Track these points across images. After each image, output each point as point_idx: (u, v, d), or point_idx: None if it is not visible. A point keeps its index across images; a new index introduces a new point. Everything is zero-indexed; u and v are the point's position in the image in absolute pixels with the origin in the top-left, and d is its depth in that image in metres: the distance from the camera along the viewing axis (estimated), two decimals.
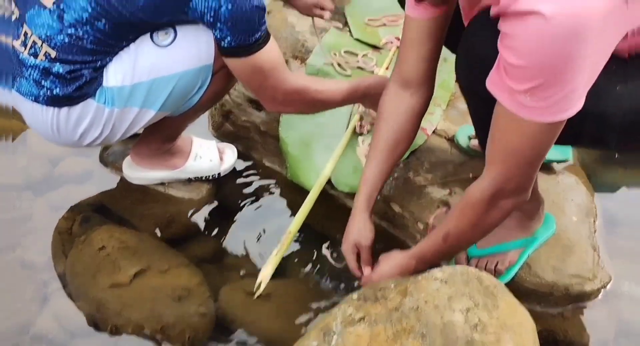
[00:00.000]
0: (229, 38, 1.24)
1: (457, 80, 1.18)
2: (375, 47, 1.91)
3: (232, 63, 1.30)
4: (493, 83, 0.99)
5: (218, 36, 1.25)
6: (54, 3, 1.24)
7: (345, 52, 1.87)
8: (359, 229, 1.33)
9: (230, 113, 1.79)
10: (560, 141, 1.03)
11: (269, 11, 2.02)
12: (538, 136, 1.00)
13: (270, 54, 1.30)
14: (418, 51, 1.30)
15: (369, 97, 1.51)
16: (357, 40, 1.94)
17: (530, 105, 0.95)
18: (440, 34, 1.29)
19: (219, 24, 1.22)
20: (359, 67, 1.84)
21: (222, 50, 1.28)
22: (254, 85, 1.37)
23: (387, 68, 1.83)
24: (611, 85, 1.02)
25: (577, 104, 0.95)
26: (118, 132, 1.37)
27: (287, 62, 1.88)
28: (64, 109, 1.31)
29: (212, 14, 1.20)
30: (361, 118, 1.69)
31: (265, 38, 1.28)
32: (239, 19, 1.21)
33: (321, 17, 1.71)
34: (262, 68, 1.30)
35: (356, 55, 1.87)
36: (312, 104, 1.46)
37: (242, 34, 1.23)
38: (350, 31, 1.95)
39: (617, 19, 0.92)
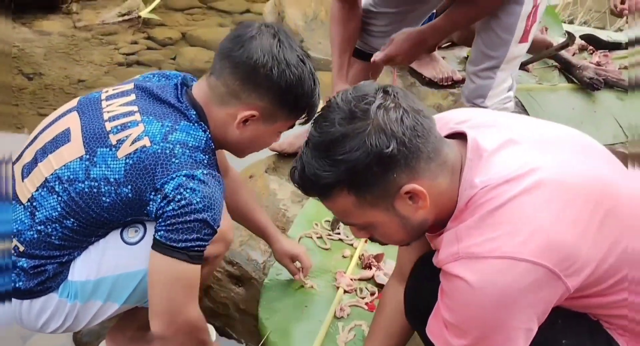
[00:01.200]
0: (162, 232, 1.21)
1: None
2: None
3: (153, 257, 1.23)
4: (433, 334, 1.03)
5: (155, 228, 1.22)
6: (28, 200, 1.27)
7: (326, 221, 1.89)
8: None
9: (209, 289, 1.77)
10: None
11: (252, 175, 2.05)
12: None
13: (193, 275, 1.24)
14: (412, 253, 1.32)
15: None
16: None
17: None
18: None
19: (160, 220, 1.20)
20: (340, 239, 1.85)
21: (153, 241, 1.23)
22: (159, 296, 1.25)
23: (366, 241, 1.84)
24: (557, 339, 1.03)
25: None
26: (81, 323, 1.35)
27: None
28: (26, 302, 1.29)
29: (160, 211, 1.20)
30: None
31: (198, 258, 1.22)
32: (179, 221, 1.19)
33: (292, 274, 1.67)
34: (177, 280, 1.23)
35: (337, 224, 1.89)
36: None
37: (174, 233, 1.20)
38: None
39: (548, 288, 0.92)
